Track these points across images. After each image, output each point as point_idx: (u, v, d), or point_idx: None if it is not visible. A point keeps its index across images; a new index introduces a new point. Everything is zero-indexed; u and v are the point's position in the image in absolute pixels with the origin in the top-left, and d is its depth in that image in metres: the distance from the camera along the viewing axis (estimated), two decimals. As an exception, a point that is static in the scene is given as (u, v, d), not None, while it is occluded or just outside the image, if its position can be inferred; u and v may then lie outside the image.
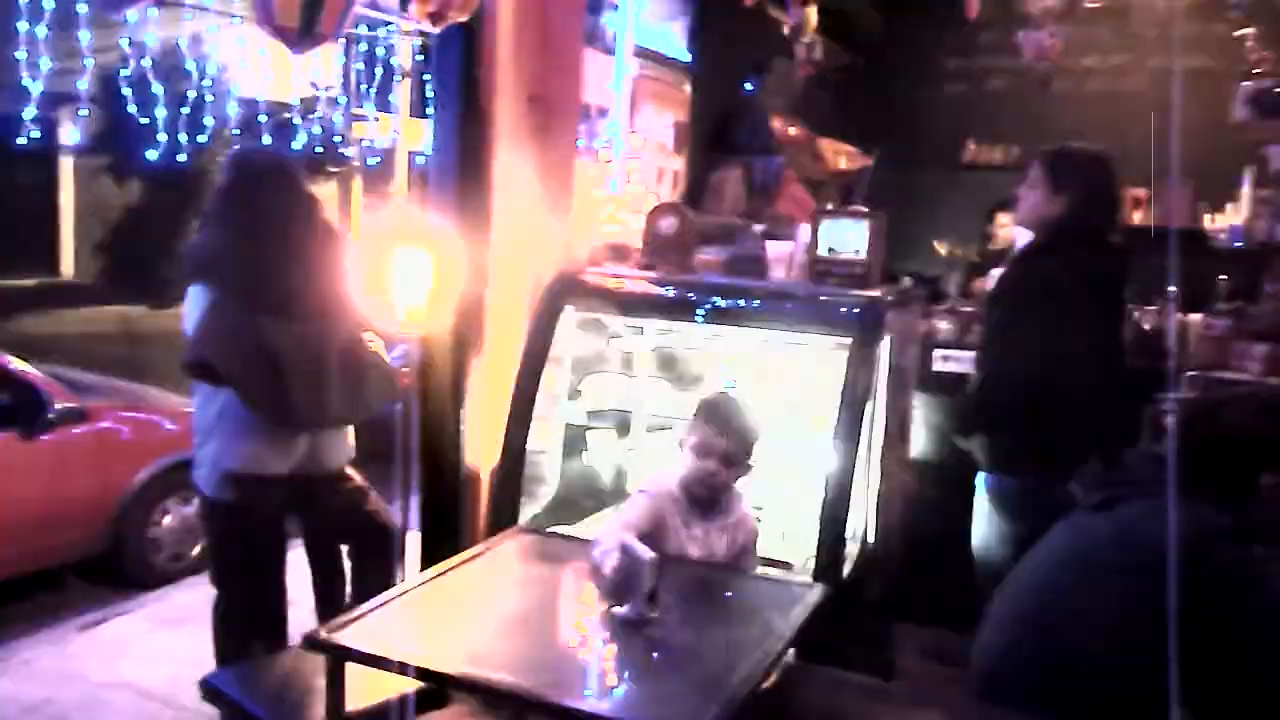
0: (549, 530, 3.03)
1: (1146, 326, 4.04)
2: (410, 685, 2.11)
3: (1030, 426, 2.89)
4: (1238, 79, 4.04)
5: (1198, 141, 4.67)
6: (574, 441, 3.50)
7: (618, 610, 2.09)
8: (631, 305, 3.36)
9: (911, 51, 6.07)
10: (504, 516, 3.15)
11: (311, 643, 1.97)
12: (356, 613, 2.08)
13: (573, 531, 3.17)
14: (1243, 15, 4.31)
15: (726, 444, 2.52)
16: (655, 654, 1.99)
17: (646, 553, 2.07)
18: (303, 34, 2.22)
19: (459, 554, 2.51)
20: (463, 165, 3.25)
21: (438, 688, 2.14)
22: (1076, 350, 2.83)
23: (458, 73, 3.22)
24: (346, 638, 1.97)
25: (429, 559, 3.34)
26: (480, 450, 3.38)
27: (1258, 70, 3.94)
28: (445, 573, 2.35)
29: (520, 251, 3.43)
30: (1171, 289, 3.93)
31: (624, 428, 3.63)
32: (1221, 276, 4.34)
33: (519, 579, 2.52)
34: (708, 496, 2.57)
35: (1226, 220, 4.32)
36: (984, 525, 3.08)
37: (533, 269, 3.46)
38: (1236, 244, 4.14)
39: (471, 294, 3.29)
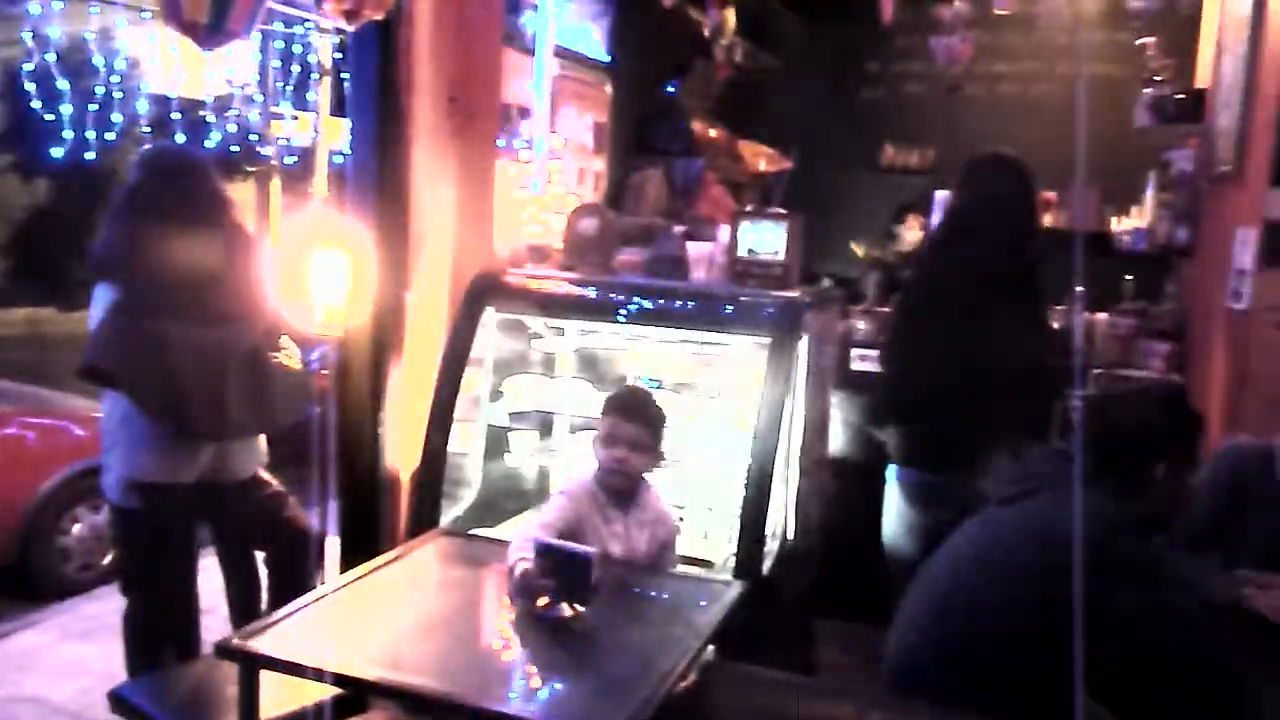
0: (470, 532, 3.01)
1: (1055, 325, 4.15)
2: (327, 692, 2.08)
3: (933, 421, 2.97)
4: (1141, 86, 4.17)
5: (1104, 146, 4.80)
6: (496, 443, 3.48)
7: (544, 609, 2.09)
8: (553, 306, 3.36)
9: (831, 55, 6.15)
10: (424, 520, 3.12)
11: (224, 650, 1.93)
12: (270, 619, 2.05)
13: (495, 533, 3.16)
14: (1144, 24, 4.45)
15: (632, 430, 2.55)
16: (574, 654, 2.00)
17: (587, 549, 2.08)
18: (212, 30, 2.17)
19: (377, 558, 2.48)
20: (381, 166, 3.22)
21: (355, 694, 2.12)
22: (979, 348, 2.91)
23: (374, 72, 3.19)
24: (260, 644, 1.94)
25: (348, 564, 3.28)
26: (400, 453, 3.35)
27: (1159, 78, 4.08)
28: (363, 577, 2.33)
29: (440, 253, 3.41)
30: (1079, 289, 4.06)
31: (546, 429, 3.63)
32: (1127, 277, 4.48)
33: (439, 582, 2.50)
34: (622, 486, 2.59)
35: (1132, 223, 4.45)
36: (893, 518, 3.15)
37: (453, 270, 3.44)
38: (1140, 246, 4.27)
39: (390, 296, 3.27)
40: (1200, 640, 1.95)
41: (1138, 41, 4.31)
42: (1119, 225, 4.68)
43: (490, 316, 3.35)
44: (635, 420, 2.57)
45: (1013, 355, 2.76)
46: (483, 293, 3.31)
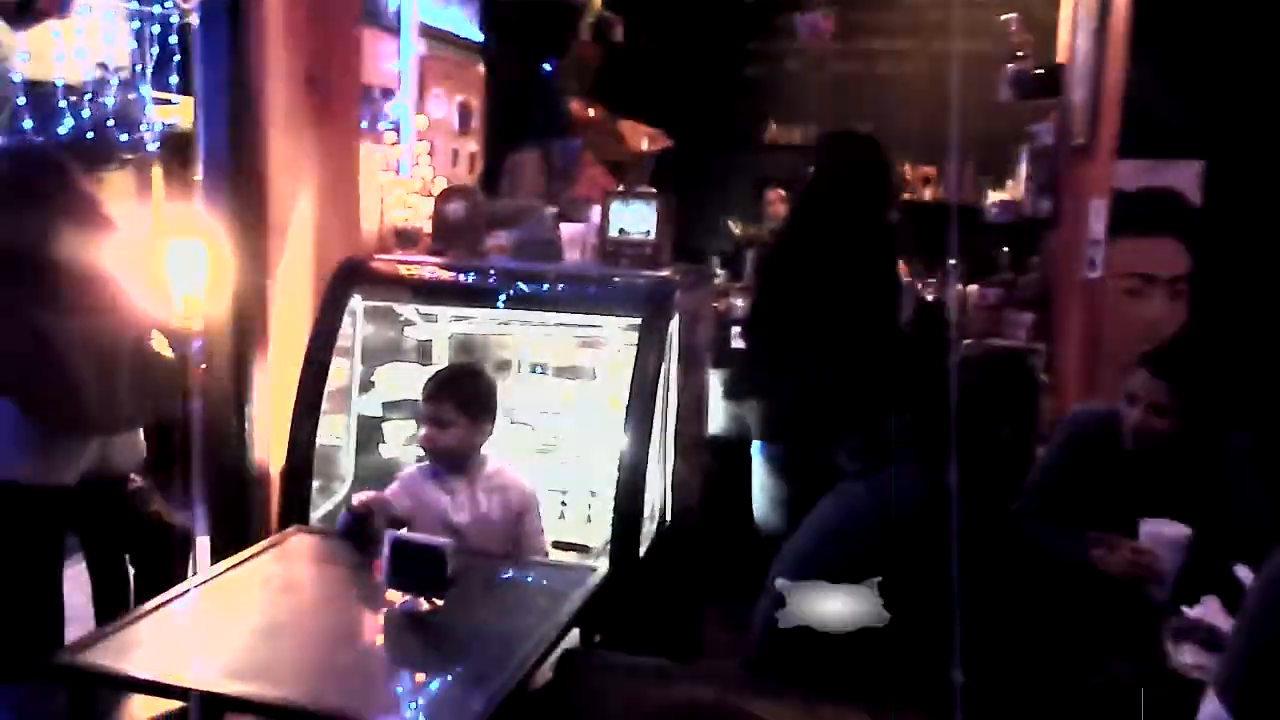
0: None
1: (929, 297, 4.24)
2: (186, 704, 2.00)
3: (788, 394, 3.00)
4: (1004, 62, 4.26)
5: (977, 121, 4.94)
6: (369, 434, 3.41)
7: (400, 604, 2.05)
8: (423, 291, 3.29)
9: (712, 32, 6.15)
10: (294, 515, 3.03)
11: (49, 667, 1.84)
12: (105, 630, 1.95)
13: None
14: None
15: (433, 408, 2.63)
16: (432, 648, 1.96)
17: (440, 541, 2.05)
18: (22, 9, 2.05)
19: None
20: (235, 150, 3.10)
21: (206, 706, 2.04)
22: (831, 319, 2.94)
23: (225, 52, 3.07)
24: (93, 657, 1.84)
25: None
26: (269, 448, 3.26)
27: (1021, 53, 4.16)
28: (213, 579, 2.24)
29: (302, 239, 3.31)
30: (951, 261, 4.16)
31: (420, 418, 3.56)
32: (1004, 249, 4.60)
33: (295, 580, 2.42)
34: (450, 459, 2.65)
35: (1001, 196, 4.56)
36: (760, 492, 3.17)
37: (317, 257, 3.35)
38: (1008, 218, 4.38)
39: (251, 285, 3.17)
40: (1045, 602, 2.00)
41: (1002, 17, 4.39)
42: (991, 198, 4.80)
43: (358, 304, 3.27)
44: (434, 399, 2.65)
45: (865, 326, 2.80)
46: (349, 279, 3.22)
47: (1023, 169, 4.59)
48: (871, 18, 5.66)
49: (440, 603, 2.02)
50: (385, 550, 2.02)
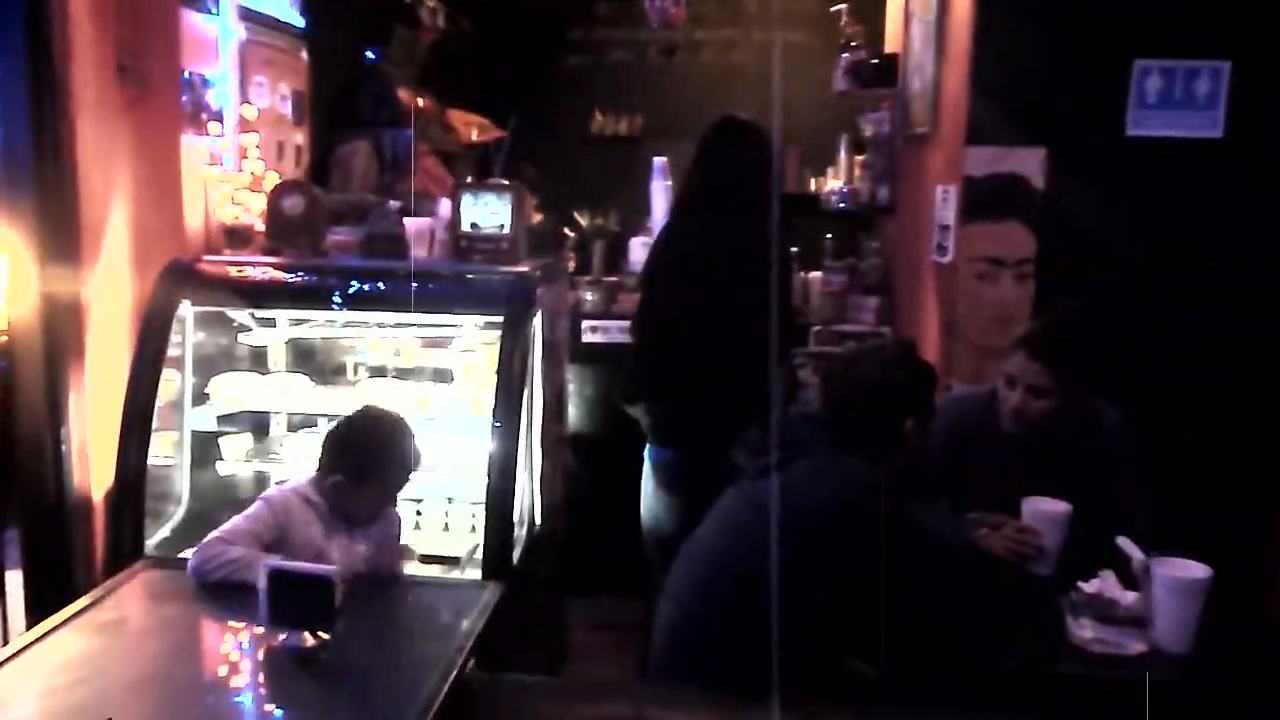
0: (181, 556, 2.68)
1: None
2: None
3: (681, 398, 2.94)
4: (837, 52, 4.32)
5: (805, 111, 4.99)
6: (204, 450, 3.14)
7: (282, 641, 1.86)
8: (259, 295, 3.06)
9: (537, 21, 6.02)
10: (125, 544, 2.76)
11: None
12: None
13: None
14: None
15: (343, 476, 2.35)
16: (324, 689, 1.78)
17: (326, 569, 1.87)
18: None
19: (70, 604, 2.11)
20: (38, 144, 2.78)
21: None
22: (726, 318, 2.90)
23: (23, 37, 2.75)
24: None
25: (37, 603, 2.89)
26: (92, 470, 2.95)
27: (854, 44, 4.24)
28: (53, 631, 1.97)
29: (119, 240, 3.02)
30: (794, 249, 4.19)
31: (261, 430, 3.32)
32: (828, 236, 4.68)
33: (154, 624, 2.17)
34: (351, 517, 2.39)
35: (835, 184, 4.64)
36: (649, 495, 3.10)
37: (138, 260, 3.06)
38: (844, 205, 4.46)
39: (62, 293, 2.85)
40: (952, 591, 2.01)
41: (832, 9, 4.47)
42: (823, 186, 4.88)
43: (187, 309, 3.01)
44: (344, 458, 2.37)
45: (760, 325, 2.76)
46: (175, 284, 2.96)
47: (842, 157, 4.69)
48: (700, 9, 5.66)
49: (327, 637, 1.84)
50: (262, 582, 1.82)
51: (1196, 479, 2.85)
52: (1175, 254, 3.03)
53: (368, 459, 2.35)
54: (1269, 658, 2.08)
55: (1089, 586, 2.05)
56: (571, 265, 4.31)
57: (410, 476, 2.42)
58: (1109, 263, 3.01)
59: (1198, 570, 1.99)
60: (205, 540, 2.24)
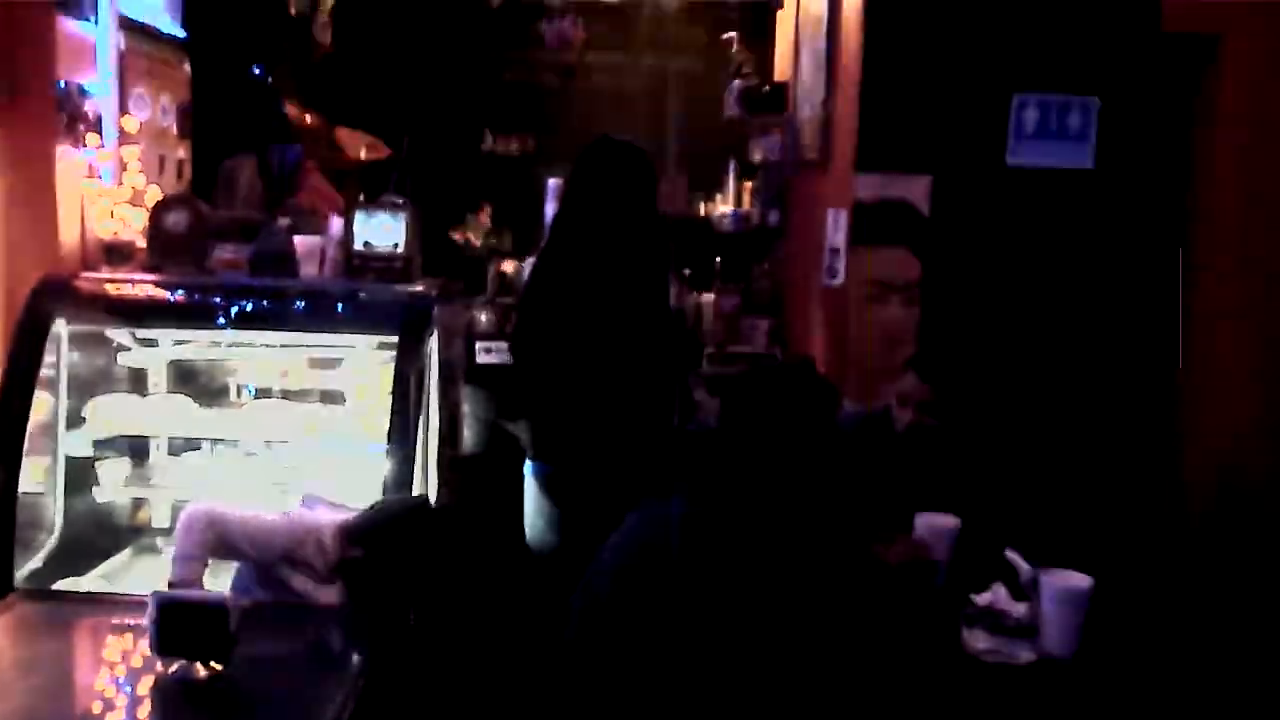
0: (54, 588, 2.55)
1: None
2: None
3: (561, 413, 2.93)
4: (728, 79, 4.41)
5: (694, 136, 5.05)
6: (79, 476, 2.99)
7: (172, 673, 1.77)
8: (139, 313, 2.95)
9: (430, 39, 5.96)
10: (-8, 578, 2.61)
11: None
12: None
13: (87, 583, 2.72)
14: (725, 19, 4.72)
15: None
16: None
17: (218, 594, 1.79)
18: None
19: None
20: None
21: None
22: (593, 337, 2.88)
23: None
24: None
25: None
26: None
27: (745, 71, 4.33)
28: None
29: (-12, 257, 2.87)
30: (686, 271, 4.24)
31: (140, 455, 3.18)
32: (716, 259, 4.74)
33: (31, 658, 2.04)
34: None
35: (726, 208, 4.71)
36: (532, 512, 3.05)
37: (8, 277, 2.91)
38: (736, 228, 4.54)
39: (-75, 311, 2.70)
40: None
41: (723, 36, 4.55)
42: (713, 210, 4.95)
43: (61, 328, 2.87)
44: None
45: (637, 342, 2.77)
46: (49, 302, 2.83)
47: (730, 181, 4.78)
48: (594, 32, 5.69)
49: (220, 668, 1.77)
50: (151, 610, 1.74)
51: (1077, 492, 2.97)
52: (1050, 277, 3.17)
53: None
54: (1146, 659, 2.18)
55: (982, 598, 2.11)
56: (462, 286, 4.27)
57: None
58: (990, 286, 3.13)
59: (1080, 580, 2.08)
60: None
